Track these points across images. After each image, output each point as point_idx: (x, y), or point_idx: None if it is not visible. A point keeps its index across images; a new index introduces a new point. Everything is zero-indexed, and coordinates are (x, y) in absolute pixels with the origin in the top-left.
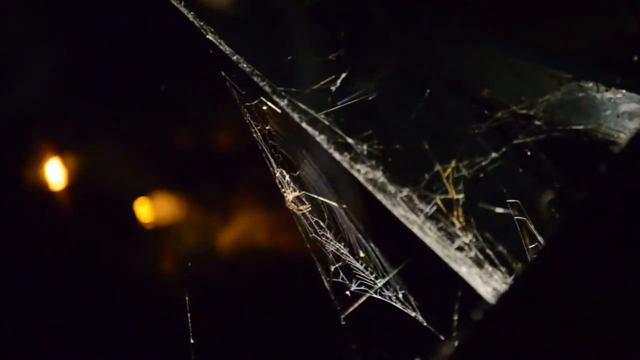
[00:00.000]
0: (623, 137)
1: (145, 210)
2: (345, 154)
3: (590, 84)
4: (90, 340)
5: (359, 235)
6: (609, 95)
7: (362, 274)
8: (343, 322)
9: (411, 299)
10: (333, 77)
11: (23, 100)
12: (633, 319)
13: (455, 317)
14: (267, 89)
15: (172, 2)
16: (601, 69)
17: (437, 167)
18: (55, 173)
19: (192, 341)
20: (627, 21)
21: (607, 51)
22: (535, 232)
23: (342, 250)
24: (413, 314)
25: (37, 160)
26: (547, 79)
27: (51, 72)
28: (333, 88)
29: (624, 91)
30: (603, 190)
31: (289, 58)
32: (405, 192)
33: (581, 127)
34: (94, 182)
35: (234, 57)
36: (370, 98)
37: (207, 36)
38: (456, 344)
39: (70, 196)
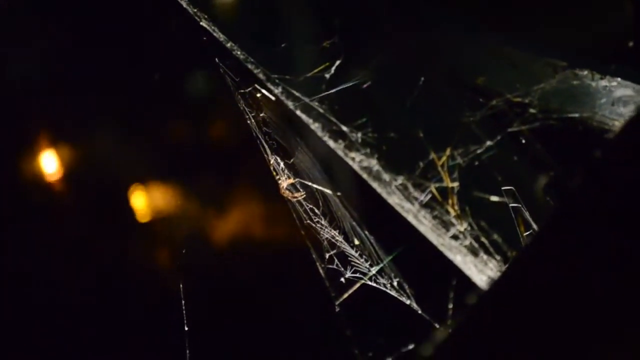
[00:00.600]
0: (618, 125)
1: (140, 200)
2: (340, 141)
3: (585, 72)
4: (85, 327)
5: (354, 223)
6: (603, 82)
7: (357, 261)
8: (338, 309)
9: (406, 286)
10: (327, 64)
11: (17, 93)
12: (627, 306)
13: (450, 305)
14: (261, 76)
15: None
16: (596, 56)
17: (432, 155)
18: (50, 164)
19: (186, 328)
20: (621, 8)
21: (601, 38)
22: (530, 220)
23: (336, 238)
24: (408, 302)
25: (33, 152)
26: (542, 67)
27: (44, 62)
28: (327, 75)
29: (618, 79)
30: (598, 178)
31: (283, 45)
32: (400, 180)
33: (576, 114)
34: (90, 173)
35: (228, 44)
36: (364, 86)
37: (201, 23)
38: (450, 330)
39: (65, 187)
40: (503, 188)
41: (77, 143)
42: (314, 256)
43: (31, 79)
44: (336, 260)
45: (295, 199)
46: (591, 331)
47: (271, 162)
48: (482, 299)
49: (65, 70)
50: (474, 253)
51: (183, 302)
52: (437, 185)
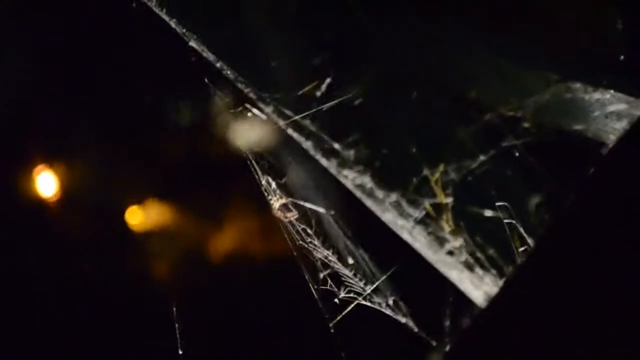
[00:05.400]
0: (612, 138)
1: (134, 218)
2: (332, 159)
3: (578, 85)
4: (78, 347)
5: (348, 242)
6: (597, 95)
7: (351, 281)
8: (332, 330)
9: (401, 305)
10: (318, 81)
11: (9, 112)
12: (624, 321)
13: (447, 323)
14: (251, 95)
15: (154, 9)
16: (589, 69)
17: (426, 171)
18: (44, 184)
19: (180, 352)
20: (613, 21)
21: (594, 51)
22: (525, 235)
23: (330, 257)
24: (404, 320)
25: (26, 171)
26: (535, 80)
27: (36, 83)
28: (318, 93)
29: (611, 91)
30: (592, 192)
31: (273, 64)
32: (394, 197)
33: (569, 128)
34: (84, 192)
35: (218, 64)
36: (356, 102)
37: (190, 43)
38: (447, 348)
39: (60, 206)
40: (497, 203)
41: (70, 160)
42: (307, 277)
43: (23, 100)
44: (330, 281)
45: (287, 220)
46: (590, 346)
47: (262, 183)
48: (477, 318)
49: (57, 92)
50: (470, 269)
51: (176, 324)
52: (431, 201)
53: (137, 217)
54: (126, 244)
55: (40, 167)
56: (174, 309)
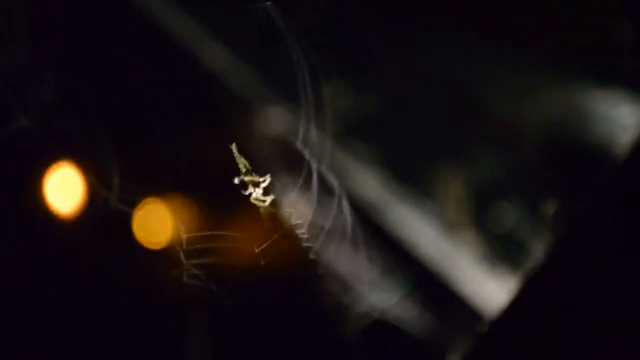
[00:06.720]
0: (623, 147)
1: (142, 226)
2: (346, 165)
3: (589, 93)
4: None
5: (365, 252)
6: (607, 104)
7: (368, 291)
8: (349, 342)
9: (420, 315)
10: (331, 91)
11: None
12: (636, 325)
13: (462, 331)
14: (262, 105)
15: (161, 16)
16: (599, 77)
17: (438, 175)
18: (50, 190)
19: None
20: (622, 29)
21: (604, 60)
22: (537, 243)
23: (347, 268)
24: (420, 329)
25: (31, 176)
26: (545, 88)
27: (44, 88)
28: (331, 102)
29: (622, 100)
30: (603, 200)
31: (284, 74)
32: (407, 201)
33: (579, 136)
34: (90, 196)
35: (228, 73)
36: (366, 107)
37: (200, 50)
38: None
39: (66, 212)
40: (510, 210)
41: (76, 162)
42: (324, 287)
43: (38, 105)
44: (347, 291)
45: (301, 228)
46: (601, 356)
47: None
48: (491, 327)
49: (69, 94)
50: (485, 276)
51: (190, 336)
52: (444, 205)
53: (146, 223)
54: (136, 251)
55: (45, 171)
56: (185, 321)
